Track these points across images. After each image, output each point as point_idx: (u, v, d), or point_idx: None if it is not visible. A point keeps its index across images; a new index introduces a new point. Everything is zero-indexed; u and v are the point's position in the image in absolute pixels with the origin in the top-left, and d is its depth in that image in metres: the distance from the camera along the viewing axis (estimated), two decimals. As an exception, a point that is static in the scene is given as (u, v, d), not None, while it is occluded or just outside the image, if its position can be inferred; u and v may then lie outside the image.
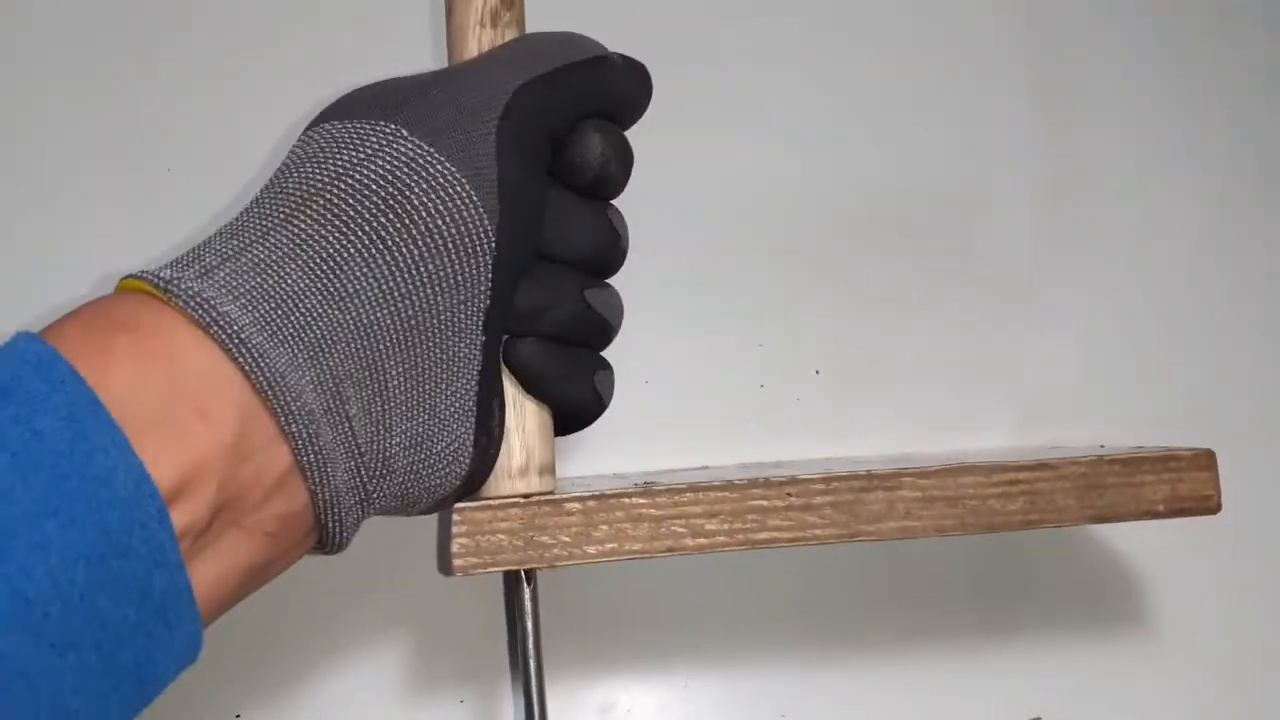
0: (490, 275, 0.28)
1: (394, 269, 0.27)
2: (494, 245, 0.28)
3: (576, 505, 0.31)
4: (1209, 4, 0.50)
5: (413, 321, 0.28)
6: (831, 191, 0.45)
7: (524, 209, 0.29)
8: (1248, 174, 0.49)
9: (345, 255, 0.27)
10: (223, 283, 0.26)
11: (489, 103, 0.29)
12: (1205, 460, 0.34)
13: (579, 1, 0.37)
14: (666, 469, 0.41)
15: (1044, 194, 0.47)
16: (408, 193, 0.28)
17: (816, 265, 0.44)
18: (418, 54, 0.41)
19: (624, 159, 0.32)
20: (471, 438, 0.29)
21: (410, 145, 0.28)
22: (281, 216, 0.27)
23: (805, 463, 0.41)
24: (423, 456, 0.28)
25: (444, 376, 0.28)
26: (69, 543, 0.22)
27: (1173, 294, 0.47)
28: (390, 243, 0.27)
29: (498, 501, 0.31)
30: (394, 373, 0.27)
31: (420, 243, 0.27)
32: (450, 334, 0.28)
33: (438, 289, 0.28)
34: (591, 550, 0.31)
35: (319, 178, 0.28)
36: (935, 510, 0.32)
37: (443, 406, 0.28)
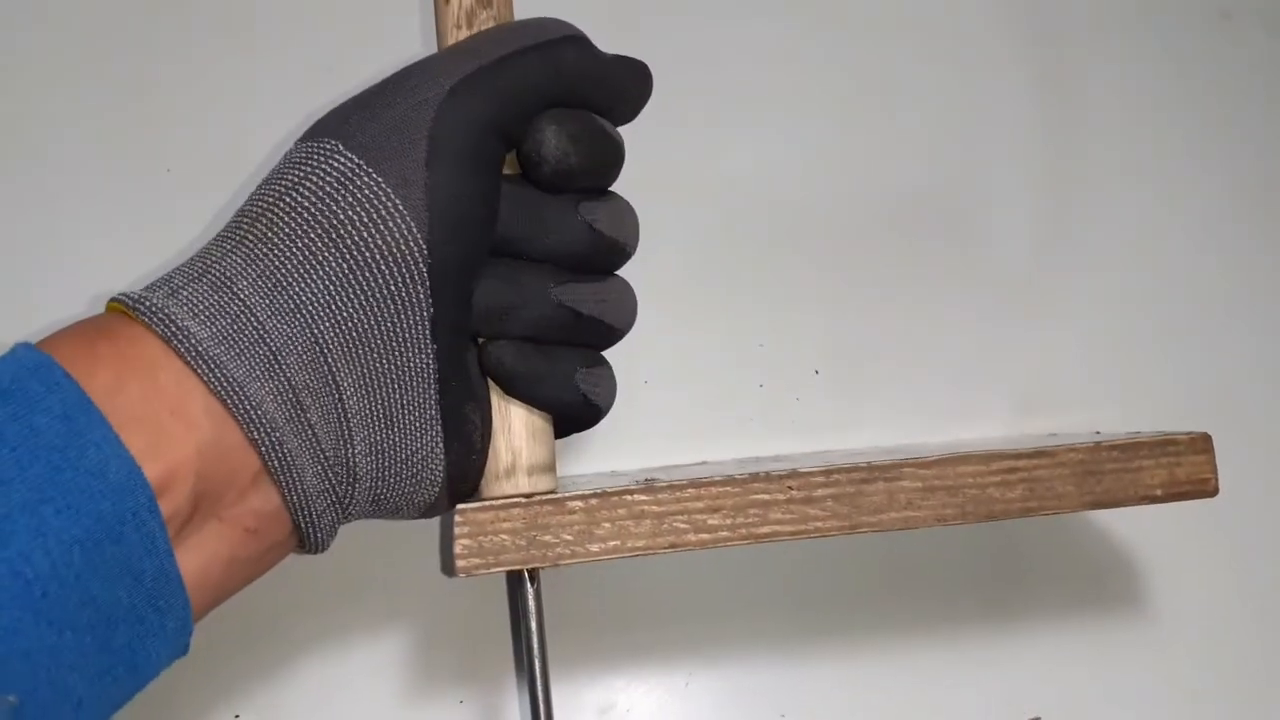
0: (427, 283, 0.28)
1: (330, 283, 0.28)
2: (426, 253, 0.28)
3: (579, 504, 0.31)
4: (1209, 4, 0.50)
5: (357, 333, 0.28)
6: (831, 190, 0.45)
7: (457, 213, 0.29)
8: (1247, 173, 0.49)
9: (285, 271, 0.28)
10: (186, 300, 0.28)
11: (422, 106, 0.29)
12: (1202, 444, 0.34)
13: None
14: (665, 464, 0.41)
15: (1043, 192, 0.47)
16: (335, 208, 0.28)
17: (816, 264, 0.44)
18: (417, 54, 0.41)
19: (589, 149, 0.31)
20: (441, 447, 0.30)
21: (343, 160, 0.29)
22: (237, 238, 0.29)
23: (804, 455, 0.41)
24: (389, 465, 0.29)
25: (397, 387, 0.29)
26: (65, 528, 0.24)
27: (1172, 292, 0.47)
28: (322, 258, 0.28)
29: (499, 502, 0.31)
30: (347, 384, 0.28)
31: (350, 256, 0.28)
32: (397, 345, 0.29)
33: (375, 300, 0.28)
34: (594, 548, 0.31)
35: (266, 198, 0.29)
36: (936, 500, 0.32)
37: (400, 417, 0.29)
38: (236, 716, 0.39)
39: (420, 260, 0.28)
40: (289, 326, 0.28)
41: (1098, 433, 0.39)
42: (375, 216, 0.28)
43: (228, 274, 0.28)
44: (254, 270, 0.28)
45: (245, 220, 0.29)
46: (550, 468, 0.32)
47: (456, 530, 0.30)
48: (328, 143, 0.29)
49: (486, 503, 0.31)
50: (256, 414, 0.27)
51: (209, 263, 0.29)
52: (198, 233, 0.39)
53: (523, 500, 0.31)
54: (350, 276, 0.28)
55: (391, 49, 0.41)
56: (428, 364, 0.29)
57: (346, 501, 0.29)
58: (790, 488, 0.32)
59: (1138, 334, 0.46)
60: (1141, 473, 0.33)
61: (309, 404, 0.28)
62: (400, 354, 0.29)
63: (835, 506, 0.32)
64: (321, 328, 0.28)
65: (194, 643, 0.39)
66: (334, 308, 0.28)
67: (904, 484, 0.32)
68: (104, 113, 0.40)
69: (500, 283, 0.30)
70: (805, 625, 0.42)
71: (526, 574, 0.32)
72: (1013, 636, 0.43)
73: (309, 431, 0.28)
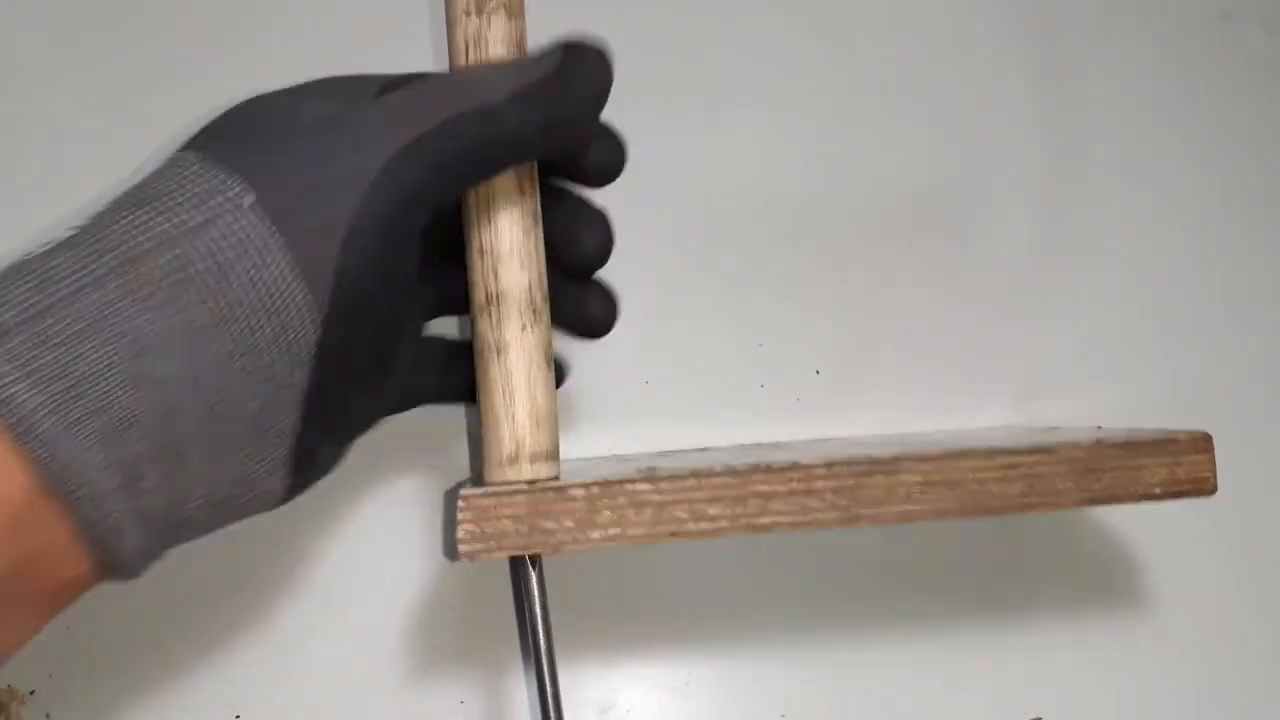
0: (312, 367, 0.27)
1: (204, 360, 0.26)
2: (319, 337, 0.27)
3: (580, 491, 0.31)
4: (1209, 4, 0.50)
5: (220, 408, 0.26)
6: (830, 190, 0.45)
7: (361, 294, 0.27)
8: (1248, 173, 0.49)
9: (152, 339, 0.25)
10: (16, 353, 0.24)
11: (353, 182, 0.27)
12: (1203, 443, 0.34)
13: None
14: (668, 450, 0.41)
15: (1042, 191, 0.47)
16: (233, 281, 0.26)
17: (815, 264, 0.45)
18: (418, 49, 0.41)
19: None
20: (284, 487, 0.29)
21: (250, 222, 0.26)
22: (97, 275, 0.25)
23: (805, 443, 0.41)
24: (227, 510, 0.28)
25: (253, 451, 0.27)
26: None
27: (1172, 291, 0.48)
28: (205, 336, 0.26)
29: (503, 488, 0.31)
30: (194, 452, 0.26)
31: (235, 339, 0.26)
32: (261, 417, 0.27)
33: (251, 380, 0.26)
34: (595, 535, 0.31)
35: (146, 237, 0.26)
36: (935, 494, 0.33)
37: (250, 471, 0.27)
38: (237, 717, 0.39)
39: (312, 346, 0.27)
40: (140, 396, 0.25)
41: (1099, 428, 0.39)
42: (276, 304, 0.26)
43: (74, 327, 0.25)
44: (111, 327, 0.25)
45: (112, 255, 0.26)
46: (553, 455, 0.32)
47: (460, 516, 0.31)
48: (235, 185, 0.26)
49: (490, 489, 0.31)
50: (83, 491, 0.25)
51: (55, 296, 0.25)
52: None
53: (525, 487, 0.31)
54: (232, 358, 0.26)
55: (397, 47, 0.41)
56: (290, 427, 0.27)
57: (169, 547, 0.28)
58: (791, 479, 0.32)
59: (1137, 332, 0.47)
60: (1141, 471, 0.34)
61: (145, 470, 0.26)
62: (263, 422, 0.27)
63: (835, 499, 0.32)
64: (181, 399, 0.26)
65: (194, 643, 0.40)
66: (203, 384, 0.26)
67: (903, 478, 0.32)
68: (104, 112, 0.40)
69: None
70: (805, 625, 0.43)
71: (529, 560, 0.32)
72: (1014, 634, 0.43)
73: (139, 499, 0.26)
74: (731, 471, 0.32)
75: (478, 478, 0.33)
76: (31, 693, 0.40)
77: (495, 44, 0.31)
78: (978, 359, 0.45)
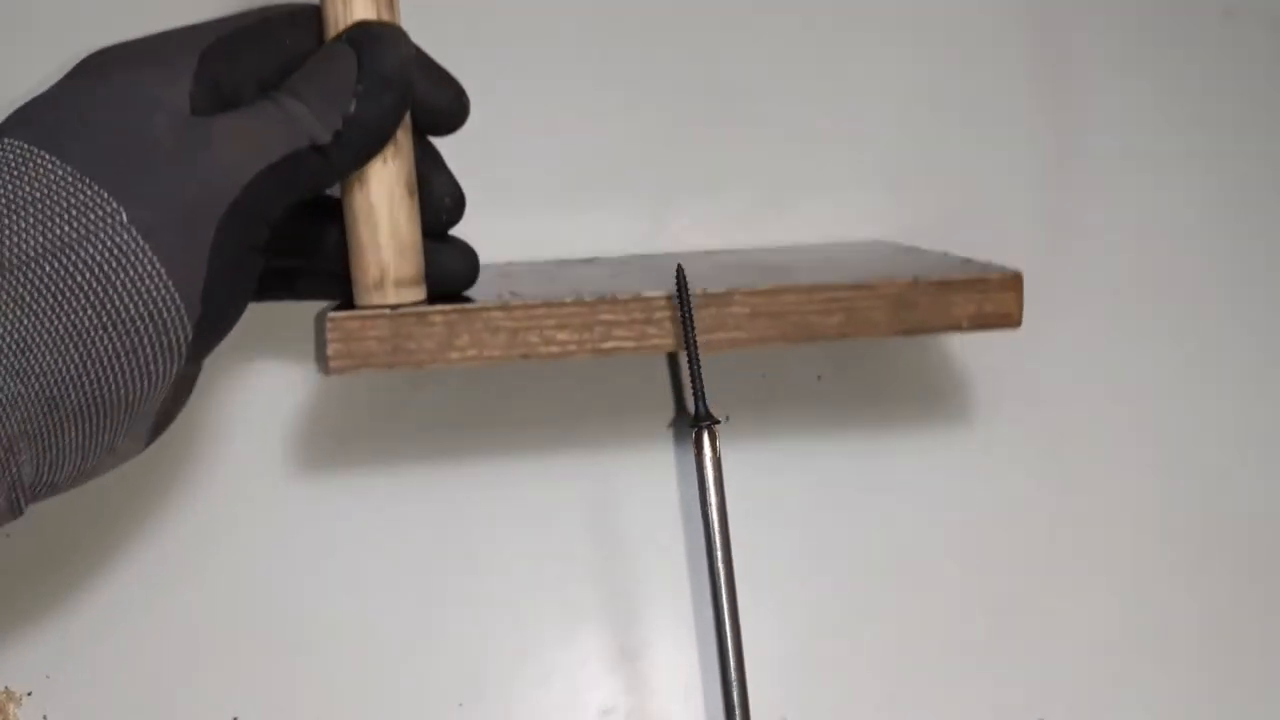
0: (184, 357, 0.30)
1: (86, 359, 0.28)
2: (190, 340, 0.30)
3: (440, 318, 0.35)
4: (1210, 2, 0.49)
5: (99, 398, 0.29)
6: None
7: (226, 302, 0.31)
8: (1248, 172, 0.49)
9: (36, 339, 0.28)
10: None
11: (214, 198, 0.29)
12: (1012, 282, 0.38)
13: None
14: (561, 258, 0.44)
15: (1042, 190, 0.48)
16: (113, 290, 0.28)
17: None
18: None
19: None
20: (142, 447, 0.33)
21: (126, 237, 0.28)
22: None
23: (691, 254, 0.45)
24: (90, 476, 0.31)
25: (123, 430, 0.30)
26: None
27: (1171, 291, 0.49)
28: (88, 337, 0.28)
29: (369, 312, 0.34)
30: (71, 432, 0.29)
31: (118, 341, 0.28)
32: (136, 404, 0.30)
33: (129, 378, 0.29)
34: (454, 356, 0.35)
35: (31, 243, 0.28)
36: (760, 324, 0.36)
37: (118, 443, 0.31)
38: (236, 718, 0.42)
39: (184, 342, 0.30)
40: (21, 386, 0.28)
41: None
42: (153, 311, 0.29)
43: None
44: None
45: None
46: (417, 281, 0.36)
47: (329, 336, 0.34)
48: (108, 202, 0.28)
49: (356, 312, 0.34)
50: None
51: None
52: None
53: (388, 312, 0.34)
54: (113, 358, 0.29)
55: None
56: (157, 405, 0.31)
57: (33, 502, 0.31)
58: (633, 309, 0.36)
59: (1138, 330, 0.49)
60: (952, 306, 0.37)
61: (21, 448, 0.28)
62: (138, 409, 0.30)
63: (672, 327, 0.36)
64: (61, 391, 0.28)
65: (193, 643, 0.43)
66: (83, 379, 0.28)
67: (733, 310, 0.36)
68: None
69: None
70: (806, 626, 0.46)
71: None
72: (1015, 634, 0.48)
73: (14, 470, 0.28)
74: (579, 302, 0.35)
75: (347, 303, 0.36)
76: (29, 693, 0.42)
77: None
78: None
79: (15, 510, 0.30)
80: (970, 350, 0.49)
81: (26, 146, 0.29)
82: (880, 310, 0.37)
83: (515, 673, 0.45)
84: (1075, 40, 0.49)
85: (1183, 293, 0.50)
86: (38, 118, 0.29)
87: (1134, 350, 0.50)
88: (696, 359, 0.37)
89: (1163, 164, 0.49)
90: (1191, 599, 0.49)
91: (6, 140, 0.29)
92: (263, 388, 0.46)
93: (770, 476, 0.47)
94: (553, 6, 0.45)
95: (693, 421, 0.38)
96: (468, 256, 0.37)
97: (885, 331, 0.37)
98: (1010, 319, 0.38)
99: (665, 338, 0.36)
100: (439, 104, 0.35)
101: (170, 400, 0.32)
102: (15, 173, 0.28)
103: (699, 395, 0.38)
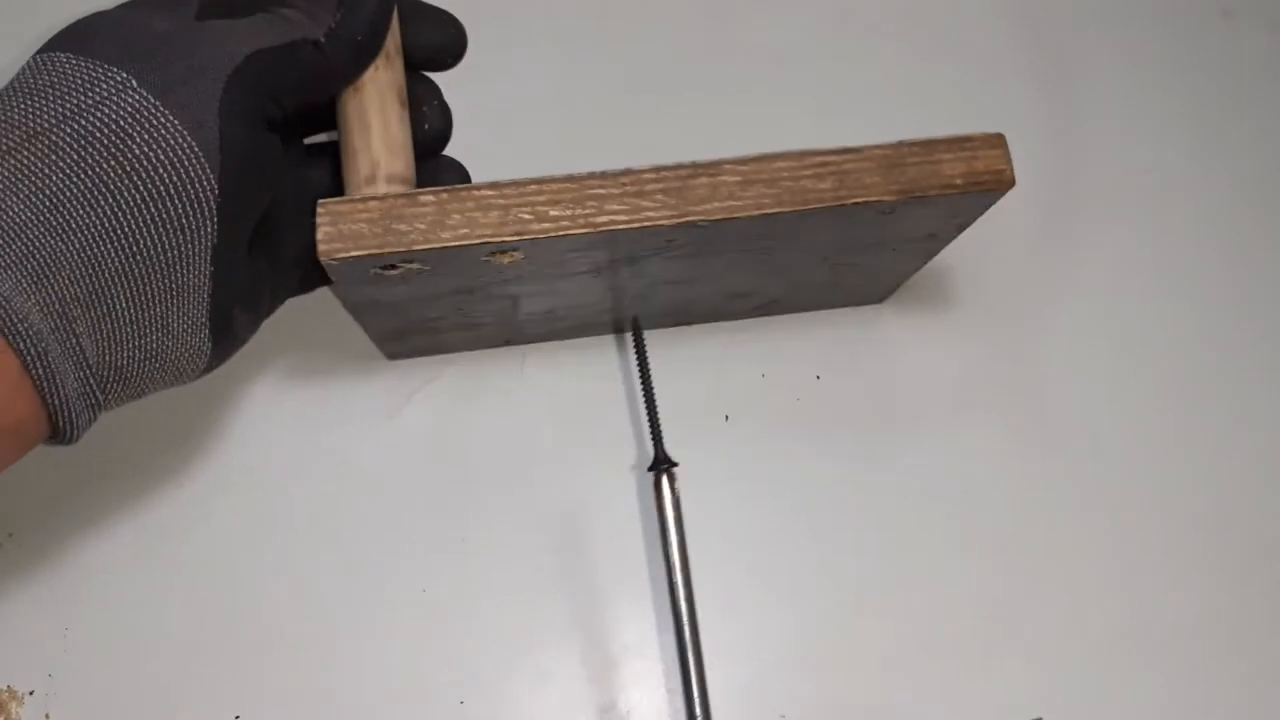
0: (215, 217, 0.31)
1: (117, 210, 0.29)
2: (216, 192, 0.31)
3: (430, 198, 0.34)
4: (1210, 3, 0.51)
5: (138, 255, 0.30)
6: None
7: (245, 159, 0.31)
8: (1248, 172, 0.50)
9: (68, 194, 0.29)
10: None
11: (221, 62, 0.31)
12: (996, 141, 0.38)
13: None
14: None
15: (1042, 190, 0.49)
16: (130, 143, 0.29)
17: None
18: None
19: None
20: (209, 344, 0.33)
21: (138, 98, 0.30)
22: (6, 148, 0.29)
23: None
24: (158, 364, 0.32)
25: (173, 301, 0.31)
26: None
27: (1171, 291, 0.50)
28: (113, 186, 0.29)
29: (358, 197, 0.34)
30: (121, 298, 0.30)
31: (143, 189, 0.29)
32: (177, 266, 0.31)
33: (162, 229, 0.30)
34: (445, 235, 0.34)
35: (47, 116, 0.29)
36: (754, 191, 0.36)
37: (174, 323, 0.31)
38: (237, 717, 0.41)
39: (212, 198, 0.30)
40: (63, 244, 0.29)
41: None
42: (172, 155, 0.30)
43: None
44: (29, 187, 0.28)
45: (16, 132, 0.29)
46: (408, 179, 0.36)
47: (319, 220, 0.34)
48: (117, 74, 0.30)
49: (345, 199, 0.34)
50: (22, 326, 0.28)
51: None
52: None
53: (378, 197, 0.34)
54: (142, 206, 0.30)
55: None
56: (204, 282, 0.31)
57: (107, 399, 0.31)
58: (624, 183, 0.35)
59: (1138, 330, 0.49)
60: (942, 165, 0.37)
61: (77, 315, 0.29)
62: (180, 273, 0.31)
63: (665, 199, 0.36)
64: (102, 248, 0.29)
65: (193, 643, 0.42)
66: (119, 231, 0.29)
67: (725, 179, 0.36)
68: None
69: None
70: (805, 626, 0.45)
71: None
72: (1012, 634, 0.46)
73: (74, 341, 0.29)
74: (569, 178, 0.35)
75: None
76: (31, 693, 0.41)
77: None
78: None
79: (89, 397, 0.30)
80: (970, 349, 0.49)
81: (44, 54, 0.31)
82: (872, 173, 0.37)
83: (515, 673, 0.43)
84: (1075, 40, 0.50)
85: (1183, 292, 0.50)
86: (55, 37, 0.32)
87: (1134, 349, 0.49)
88: (653, 402, 0.38)
89: (1163, 164, 0.50)
90: (1192, 598, 0.47)
91: (29, 60, 0.31)
92: (263, 391, 0.46)
93: (770, 477, 0.46)
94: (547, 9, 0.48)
95: (651, 465, 0.39)
96: (459, 173, 0.37)
97: (880, 193, 0.37)
98: (1003, 176, 0.38)
99: (659, 210, 0.36)
100: (433, 40, 0.37)
101: (227, 300, 0.32)
102: (34, 72, 0.30)
103: (657, 439, 0.39)
